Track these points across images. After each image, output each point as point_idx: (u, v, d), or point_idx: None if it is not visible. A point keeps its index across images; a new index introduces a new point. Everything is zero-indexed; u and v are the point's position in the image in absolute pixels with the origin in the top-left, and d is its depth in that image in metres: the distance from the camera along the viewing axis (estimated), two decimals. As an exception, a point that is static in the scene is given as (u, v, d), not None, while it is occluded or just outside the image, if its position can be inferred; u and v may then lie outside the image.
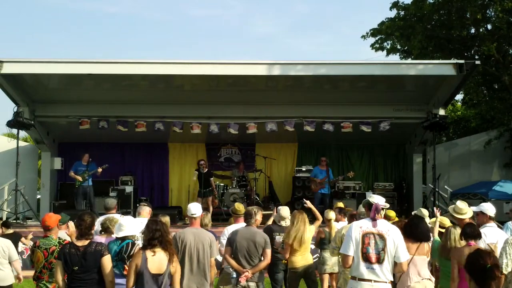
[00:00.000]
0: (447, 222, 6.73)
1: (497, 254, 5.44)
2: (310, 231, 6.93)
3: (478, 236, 5.45)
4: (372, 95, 12.82)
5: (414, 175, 14.01)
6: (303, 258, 6.78)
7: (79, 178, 12.25)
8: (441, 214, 7.22)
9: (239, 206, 7.16)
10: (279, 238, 6.88)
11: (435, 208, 7.50)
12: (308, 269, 6.83)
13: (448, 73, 11.12)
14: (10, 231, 9.06)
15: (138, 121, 12.71)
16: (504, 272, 4.94)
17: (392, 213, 7.46)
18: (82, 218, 5.05)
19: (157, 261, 4.66)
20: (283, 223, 7.06)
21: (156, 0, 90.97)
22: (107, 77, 11.80)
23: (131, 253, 5.35)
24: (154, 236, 4.71)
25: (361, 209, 5.82)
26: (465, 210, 6.41)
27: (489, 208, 6.06)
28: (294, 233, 6.65)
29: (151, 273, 4.63)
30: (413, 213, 7.72)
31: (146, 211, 7.22)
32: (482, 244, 5.54)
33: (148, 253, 4.67)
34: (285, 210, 7.25)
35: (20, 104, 12.29)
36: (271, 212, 8.20)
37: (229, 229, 6.95)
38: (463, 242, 5.47)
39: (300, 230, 6.68)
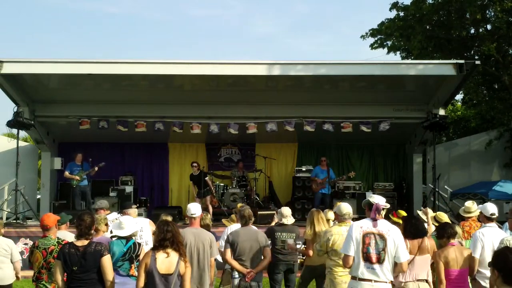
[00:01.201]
0: (445, 217, 6.75)
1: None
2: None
3: (455, 234, 5.47)
4: (372, 95, 12.82)
5: (414, 175, 14.01)
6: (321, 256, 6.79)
7: (77, 177, 12.24)
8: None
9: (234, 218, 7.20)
10: (291, 240, 6.86)
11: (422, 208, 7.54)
12: (324, 267, 6.85)
13: (448, 73, 11.12)
14: None
15: (138, 121, 12.71)
16: None
17: (404, 214, 7.48)
18: (82, 218, 5.05)
19: (167, 261, 4.67)
20: (284, 221, 7.07)
21: (156, 0, 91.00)
22: (107, 77, 11.80)
23: (138, 252, 5.36)
24: (166, 237, 4.71)
25: (342, 209, 5.84)
26: (473, 209, 6.73)
27: (487, 207, 6.08)
28: (324, 232, 6.64)
29: (160, 273, 4.64)
30: (418, 212, 7.75)
31: (136, 212, 7.20)
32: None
33: (158, 253, 4.68)
34: (286, 209, 7.28)
35: (20, 104, 12.29)
36: (273, 212, 8.21)
37: (232, 228, 6.95)
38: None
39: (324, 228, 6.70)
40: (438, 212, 7.06)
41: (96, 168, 12.43)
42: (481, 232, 5.76)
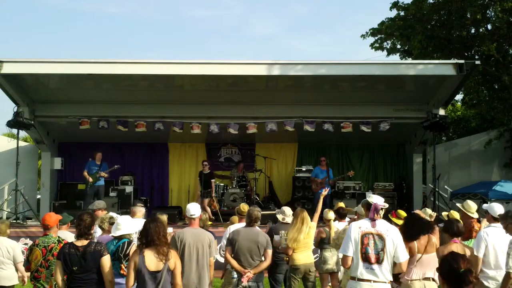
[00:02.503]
0: (457, 216, 6.76)
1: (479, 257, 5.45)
2: (312, 228, 6.98)
3: (461, 233, 5.44)
4: (372, 95, 12.81)
5: (414, 175, 14.01)
6: (304, 256, 6.82)
7: (90, 179, 12.20)
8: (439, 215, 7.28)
9: (244, 207, 7.17)
10: (277, 237, 6.91)
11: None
12: (309, 268, 6.86)
13: (448, 73, 11.11)
14: None
15: (138, 121, 12.70)
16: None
17: (404, 214, 7.51)
18: (82, 218, 5.05)
19: (154, 258, 4.68)
20: (287, 220, 7.11)
21: (156, 0, 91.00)
22: (107, 77, 11.80)
23: (127, 252, 5.35)
24: (143, 235, 4.78)
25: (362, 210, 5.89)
26: (473, 209, 6.66)
27: (494, 208, 6.06)
28: (295, 231, 6.70)
29: (149, 270, 4.65)
30: (418, 212, 7.76)
31: (142, 212, 7.19)
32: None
33: (146, 251, 4.71)
34: (287, 208, 7.32)
35: (20, 104, 12.29)
36: (273, 212, 8.23)
37: (231, 228, 6.96)
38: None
39: (300, 229, 6.72)
40: (451, 211, 7.07)
41: (109, 170, 12.41)
42: (485, 231, 5.73)
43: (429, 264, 5.28)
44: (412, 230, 5.26)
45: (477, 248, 5.54)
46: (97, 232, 6.45)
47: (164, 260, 4.69)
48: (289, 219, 7.10)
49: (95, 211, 7.29)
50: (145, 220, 6.87)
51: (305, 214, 6.88)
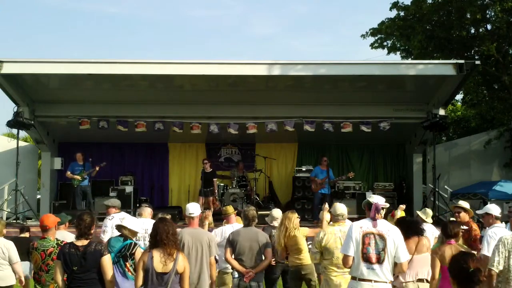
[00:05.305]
0: (466, 218, 6.77)
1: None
2: (297, 230, 6.91)
3: (455, 234, 5.44)
4: (372, 95, 12.82)
5: (414, 175, 14.02)
6: (302, 258, 6.80)
7: (78, 177, 12.26)
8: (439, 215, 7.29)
9: (229, 208, 7.29)
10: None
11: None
12: (307, 269, 6.84)
13: (448, 73, 11.13)
14: (26, 234, 8.98)
15: (138, 121, 12.71)
16: (496, 270, 4.89)
17: (403, 213, 7.53)
18: (82, 218, 5.05)
19: (162, 260, 4.67)
20: (275, 223, 7.10)
21: (156, 1, 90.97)
22: (107, 77, 11.81)
23: (133, 251, 5.35)
24: (152, 235, 4.78)
25: (337, 209, 5.86)
26: (464, 205, 6.72)
27: (493, 208, 6.09)
28: (282, 233, 6.70)
29: (156, 271, 4.65)
30: (418, 212, 7.78)
31: (147, 212, 7.21)
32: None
33: (154, 252, 4.70)
34: (277, 211, 7.29)
35: (20, 104, 12.29)
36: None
37: (225, 230, 6.93)
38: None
39: (279, 229, 6.73)
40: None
41: (97, 168, 12.45)
42: (493, 231, 5.75)
43: (421, 265, 5.29)
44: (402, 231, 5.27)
45: (487, 247, 5.51)
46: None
47: (171, 261, 4.68)
48: (276, 222, 7.09)
49: (109, 207, 7.30)
50: (152, 220, 6.95)
51: (289, 215, 6.77)
